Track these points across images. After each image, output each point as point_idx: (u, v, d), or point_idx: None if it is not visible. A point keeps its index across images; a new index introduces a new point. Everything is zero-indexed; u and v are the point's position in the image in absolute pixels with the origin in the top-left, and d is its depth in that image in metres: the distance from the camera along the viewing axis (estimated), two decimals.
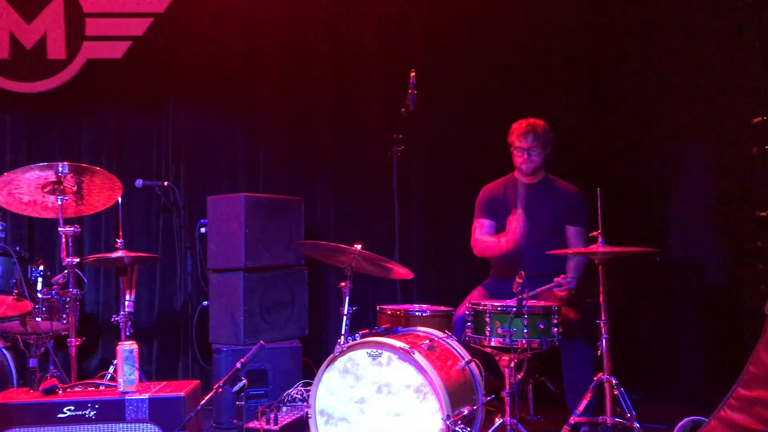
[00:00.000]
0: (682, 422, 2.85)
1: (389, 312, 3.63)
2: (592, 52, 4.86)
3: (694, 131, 4.52)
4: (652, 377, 4.46)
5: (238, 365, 2.82)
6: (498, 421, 3.03)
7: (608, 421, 3.12)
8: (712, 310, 4.32)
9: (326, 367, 2.99)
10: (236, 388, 2.76)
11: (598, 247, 3.11)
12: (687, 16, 4.50)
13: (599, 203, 3.17)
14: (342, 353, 2.96)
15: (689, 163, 4.58)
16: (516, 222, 3.61)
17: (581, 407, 3.14)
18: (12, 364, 3.61)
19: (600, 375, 3.14)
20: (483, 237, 3.86)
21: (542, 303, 3.10)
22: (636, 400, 3.30)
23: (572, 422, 3.15)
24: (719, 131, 4.34)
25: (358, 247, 3.10)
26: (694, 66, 4.48)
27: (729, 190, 4.27)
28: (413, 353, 2.82)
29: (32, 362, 3.67)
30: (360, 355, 2.93)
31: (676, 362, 4.45)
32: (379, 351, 2.89)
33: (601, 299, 3.17)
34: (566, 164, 4.25)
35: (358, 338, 2.97)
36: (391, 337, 2.97)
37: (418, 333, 3.22)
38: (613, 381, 3.11)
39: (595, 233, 3.16)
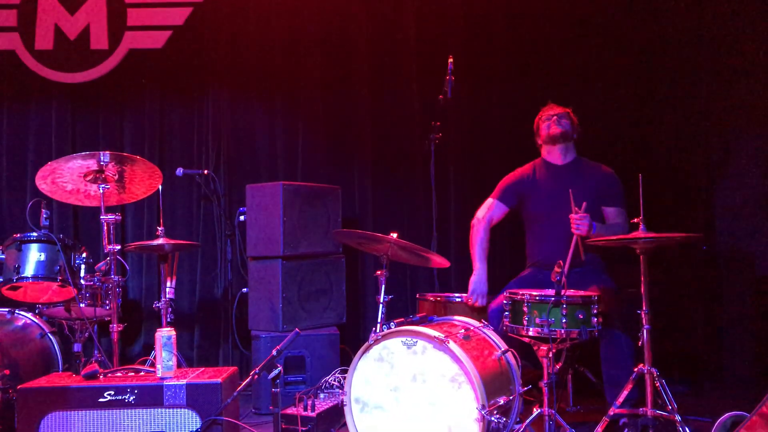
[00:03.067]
0: (723, 417, 2.76)
1: (430, 299, 3.63)
2: (637, 36, 4.72)
3: (744, 116, 4.38)
4: (698, 371, 4.36)
5: (274, 352, 2.85)
6: (536, 411, 2.98)
7: (649, 413, 3.04)
8: (761, 301, 4.19)
9: (361, 355, 2.99)
10: (272, 375, 2.79)
11: (640, 234, 3.01)
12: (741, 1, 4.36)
13: (641, 190, 3.08)
14: (377, 341, 2.95)
15: (738, 149, 4.43)
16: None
17: (621, 399, 3.08)
18: (57, 349, 3.72)
19: (641, 366, 3.06)
20: (479, 238, 3.79)
21: (581, 293, 3.03)
22: (680, 393, 3.21)
23: (611, 414, 3.08)
24: None
25: (394, 235, 3.07)
26: (745, 50, 4.34)
27: None
28: (448, 342, 2.79)
29: (77, 347, 3.76)
30: (395, 344, 2.91)
31: (722, 356, 4.34)
32: (414, 340, 2.87)
33: (642, 289, 3.09)
34: (608, 149, 4.16)
35: (392, 327, 2.95)
36: (426, 326, 2.94)
37: (453, 322, 3.19)
38: (655, 372, 3.02)
39: (636, 220, 3.06)
